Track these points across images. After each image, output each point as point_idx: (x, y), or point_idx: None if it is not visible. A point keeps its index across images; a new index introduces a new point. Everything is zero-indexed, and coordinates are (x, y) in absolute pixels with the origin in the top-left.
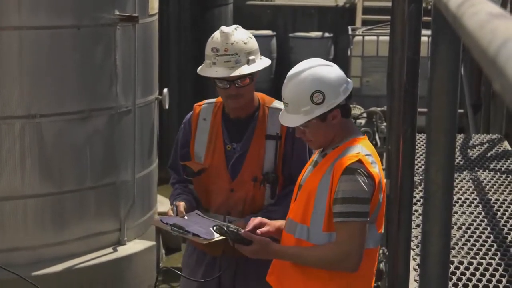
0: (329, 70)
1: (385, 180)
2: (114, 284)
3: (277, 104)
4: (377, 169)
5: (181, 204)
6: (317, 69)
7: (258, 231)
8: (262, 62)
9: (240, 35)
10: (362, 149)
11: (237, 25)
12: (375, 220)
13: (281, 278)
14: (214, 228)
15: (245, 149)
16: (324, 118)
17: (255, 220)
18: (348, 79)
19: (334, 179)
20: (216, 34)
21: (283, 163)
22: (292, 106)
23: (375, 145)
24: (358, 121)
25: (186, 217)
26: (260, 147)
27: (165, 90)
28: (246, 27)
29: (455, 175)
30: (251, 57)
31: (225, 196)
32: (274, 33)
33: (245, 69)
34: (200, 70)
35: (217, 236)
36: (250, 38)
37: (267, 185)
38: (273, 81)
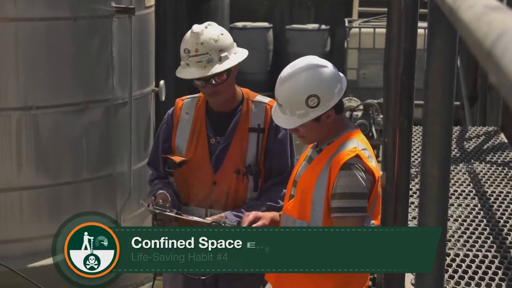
0: (324, 72)
1: (381, 173)
2: None
3: (261, 98)
4: (374, 162)
5: (161, 196)
6: (312, 71)
7: (254, 225)
8: (236, 57)
9: (210, 33)
10: (358, 144)
11: (210, 22)
12: (372, 213)
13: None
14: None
15: (228, 142)
16: (319, 119)
17: (250, 216)
18: (342, 77)
19: (332, 174)
20: (188, 34)
21: (265, 156)
22: (286, 108)
23: (371, 137)
24: (355, 113)
25: None
26: (243, 139)
27: (162, 82)
28: (243, 19)
29: (451, 168)
30: (223, 54)
31: (207, 190)
32: (271, 25)
33: (217, 68)
34: (177, 72)
35: (199, 218)
36: (222, 34)
37: (250, 178)
38: (269, 73)
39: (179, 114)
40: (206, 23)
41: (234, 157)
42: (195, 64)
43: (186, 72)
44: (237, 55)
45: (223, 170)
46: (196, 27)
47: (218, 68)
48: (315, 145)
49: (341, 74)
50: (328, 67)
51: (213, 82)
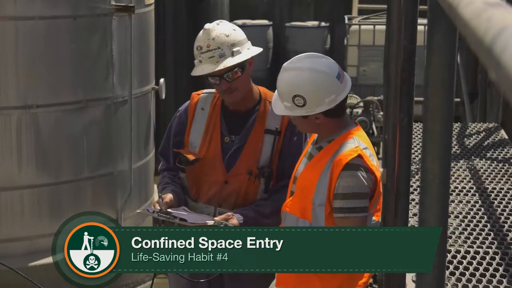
0: (322, 78)
1: (381, 170)
2: None
3: None
4: (375, 161)
5: (167, 197)
6: (311, 74)
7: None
8: (248, 52)
9: (221, 29)
10: (360, 143)
11: (221, 20)
12: (373, 210)
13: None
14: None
15: (243, 142)
16: (306, 116)
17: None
18: (343, 87)
19: (334, 175)
20: (200, 33)
21: (278, 157)
22: (279, 95)
23: (371, 134)
24: (355, 110)
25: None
26: (258, 141)
27: (162, 80)
28: (242, 17)
29: (452, 164)
30: (235, 49)
31: (218, 188)
32: (271, 23)
33: (229, 62)
34: (192, 71)
35: (203, 222)
36: (234, 30)
37: (262, 180)
38: (269, 71)
39: (194, 109)
40: (217, 21)
41: (248, 158)
42: (208, 60)
43: (199, 69)
44: (251, 50)
45: (236, 170)
46: (207, 25)
47: (230, 61)
48: (315, 141)
49: (345, 84)
50: (328, 74)
51: (227, 78)
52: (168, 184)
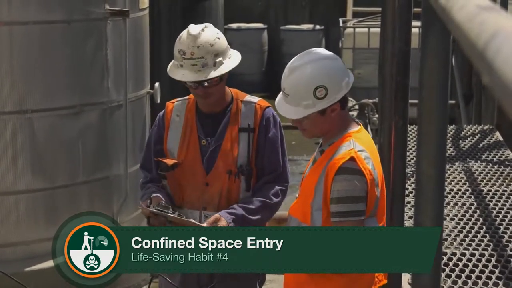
0: (333, 64)
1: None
2: None
3: (250, 98)
4: (370, 165)
5: (156, 199)
6: (321, 62)
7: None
8: (230, 63)
9: (207, 37)
10: (355, 145)
11: (207, 24)
12: (375, 214)
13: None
14: None
15: (219, 143)
16: (324, 111)
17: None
18: (349, 71)
19: (328, 179)
20: (184, 35)
21: (256, 156)
22: (292, 98)
23: None
24: (350, 113)
25: None
26: (233, 140)
27: (157, 84)
28: (237, 20)
29: (447, 166)
30: (218, 59)
31: (200, 191)
32: (265, 26)
33: (211, 74)
34: (169, 70)
35: (199, 223)
36: (218, 38)
37: (242, 178)
38: (264, 74)
39: (169, 117)
40: (203, 25)
41: (226, 158)
42: (189, 67)
43: (179, 73)
44: (231, 60)
45: (215, 171)
46: (193, 29)
47: (213, 74)
48: (319, 146)
49: (347, 69)
50: (337, 60)
51: (206, 84)
52: (154, 193)
